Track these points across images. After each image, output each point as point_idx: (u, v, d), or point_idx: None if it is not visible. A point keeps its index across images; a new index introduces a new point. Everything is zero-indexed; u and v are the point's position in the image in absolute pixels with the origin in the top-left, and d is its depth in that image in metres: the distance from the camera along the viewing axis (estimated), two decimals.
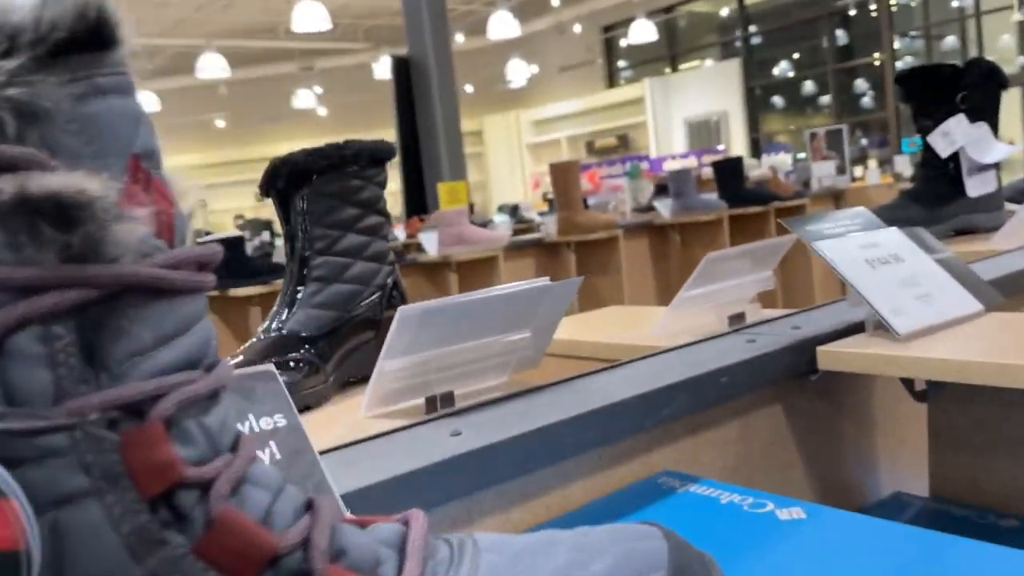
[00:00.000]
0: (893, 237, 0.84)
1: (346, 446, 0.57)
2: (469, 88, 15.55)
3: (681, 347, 0.80)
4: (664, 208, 4.03)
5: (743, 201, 4.03)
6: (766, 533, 0.57)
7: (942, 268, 0.83)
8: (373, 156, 0.79)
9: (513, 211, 6.68)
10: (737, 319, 0.90)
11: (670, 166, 11.94)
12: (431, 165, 7.06)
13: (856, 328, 0.80)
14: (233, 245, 2.61)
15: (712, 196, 4.13)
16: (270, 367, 0.44)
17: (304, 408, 0.72)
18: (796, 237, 0.83)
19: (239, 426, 0.42)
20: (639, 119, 14.57)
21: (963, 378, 0.66)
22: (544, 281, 0.70)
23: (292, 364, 0.72)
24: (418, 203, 7.13)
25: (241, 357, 0.71)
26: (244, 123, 16.07)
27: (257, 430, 0.42)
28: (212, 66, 11.68)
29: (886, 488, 0.91)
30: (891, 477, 0.92)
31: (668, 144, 14.17)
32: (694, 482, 0.66)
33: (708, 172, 5.20)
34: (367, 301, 0.79)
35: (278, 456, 0.42)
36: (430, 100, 6.92)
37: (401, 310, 0.60)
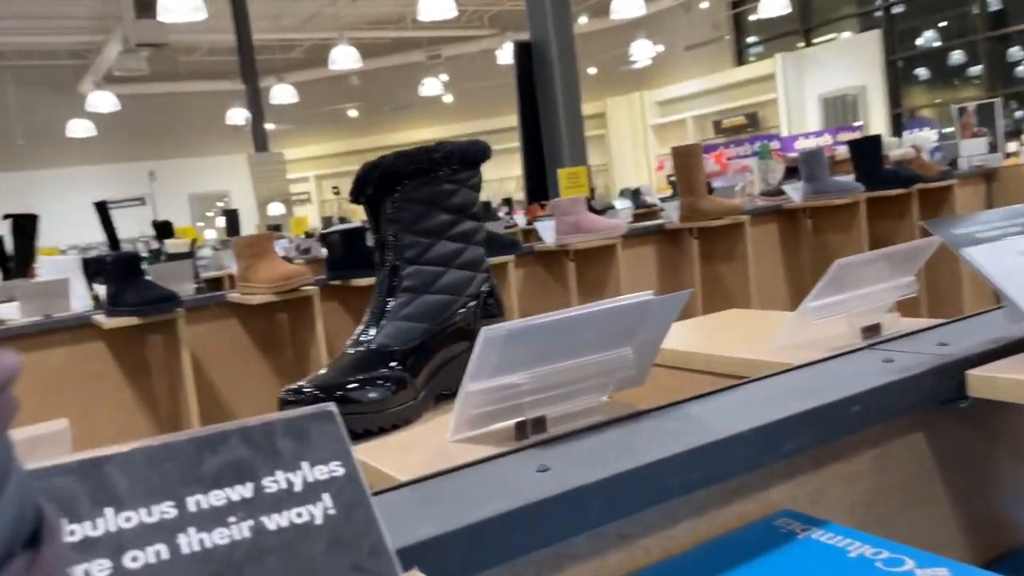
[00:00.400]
0: None
1: (422, 480, 0.52)
2: (592, 70, 15.37)
3: (805, 366, 0.72)
4: (794, 191, 3.81)
5: (882, 183, 3.76)
6: None
7: None
8: (466, 158, 0.75)
9: (635, 195, 6.55)
10: (872, 331, 0.80)
11: (802, 145, 11.40)
12: (552, 150, 7.00)
13: (1015, 347, 0.69)
14: (354, 236, 2.65)
15: (848, 178, 3.87)
16: (329, 407, 0.40)
17: (392, 427, 0.69)
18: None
19: (293, 475, 0.38)
20: (769, 96, 13.99)
21: None
22: (647, 295, 0.63)
23: (380, 381, 0.68)
24: (540, 189, 7.10)
25: (326, 371, 0.68)
26: (375, 112, 16.54)
27: (311, 480, 0.38)
28: (344, 58, 12.05)
29: None
30: None
31: (801, 122, 13.53)
32: (818, 526, 0.59)
33: (844, 152, 4.90)
34: (460, 311, 0.75)
35: (332, 511, 0.38)
36: (551, 85, 6.85)
37: (484, 332, 0.55)
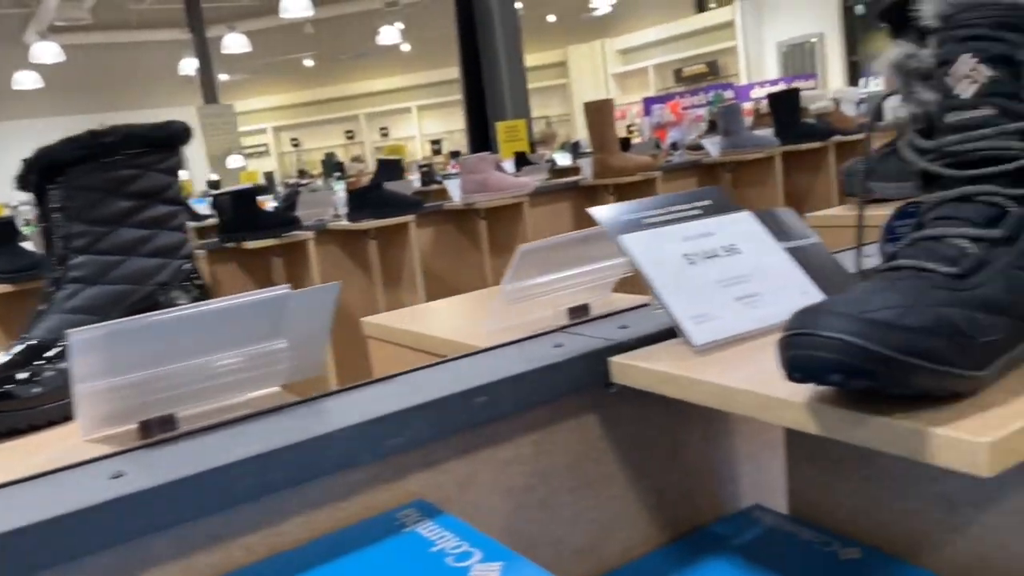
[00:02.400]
0: (736, 225, 0.73)
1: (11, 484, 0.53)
2: (551, 17, 15.14)
3: (482, 351, 0.72)
4: (712, 146, 3.81)
5: (800, 137, 3.76)
6: None
7: (793, 260, 0.71)
8: (150, 141, 0.73)
9: (574, 148, 6.50)
10: (579, 312, 0.81)
11: (759, 94, 11.34)
12: (495, 102, 6.92)
13: (670, 333, 0.69)
14: (246, 197, 2.61)
15: (767, 132, 3.88)
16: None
17: (47, 424, 0.68)
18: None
19: None
20: (729, 44, 13.88)
21: (729, 407, 0.56)
22: (283, 290, 0.63)
23: (35, 377, 0.68)
24: (483, 141, 7.04)
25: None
26: (333, 61, 16.18)
27: None
28: (295, 5, 11.74)
29: (748, 499, 0.81)
30: (754, 489, 0.82)
31: (760, 70, 13.46)
32: (432, 518, 0.59)
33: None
34: (145, 300, 0.74)
35: None
36: (492, 33, 6.74)
37: (69, 335, 0.54)
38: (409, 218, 2.89)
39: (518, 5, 11.65)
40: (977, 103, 0.49)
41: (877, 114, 0.64)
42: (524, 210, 3.14)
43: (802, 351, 0.45)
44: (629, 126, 14.13)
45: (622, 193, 3.54)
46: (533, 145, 6.42)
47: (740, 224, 0.73)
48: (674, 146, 5.95)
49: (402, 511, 0.61)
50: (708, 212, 0.74)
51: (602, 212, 0.69)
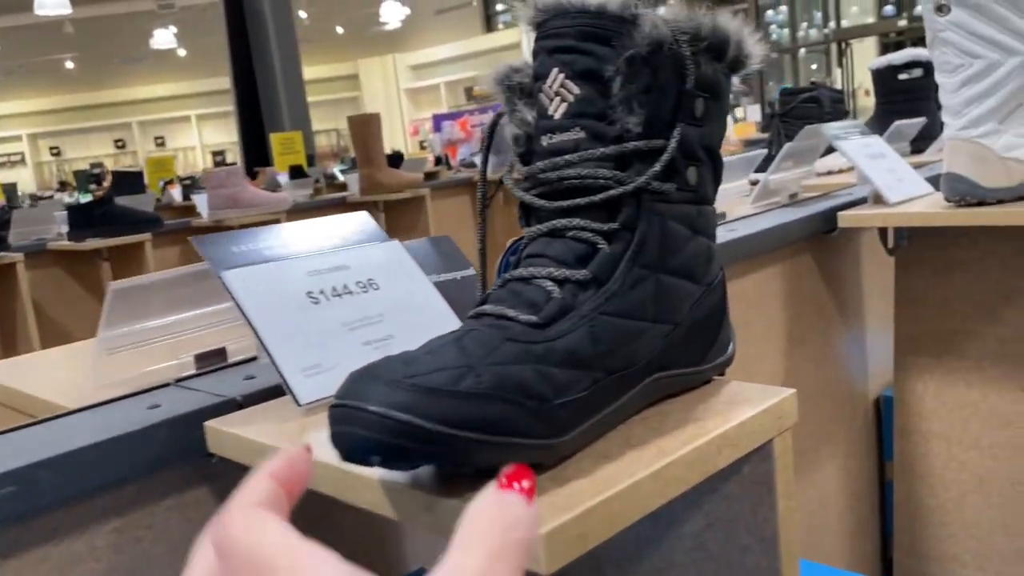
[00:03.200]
0: (379, 256, 0.63)
1: None
2: (340, 29, 14.85)
3: (42, 421, 0.57)
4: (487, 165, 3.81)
5: None
6: None
7: (441, 296, 0.63)
8: None
9: (353, 163, 6.34)
10: (211, 359, 0.68)
11: None
12: (271, 113, 6.60)
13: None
14: None
15: None
16: None
17: None
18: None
19: None
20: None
21: (315, 485, 0.46)
22: None
23: None
24: (260, 154, 6.69)
25: None
26: (100, 64, 14.88)
27: None
28: (52, 2, 10.68)
29: (416, 562, 0.72)
30: (423, 550, 0.73)
31: None
32: None
33: None
34: None
35: None
36: (266, 42, 6.44)
37: None
38: (145, 236, 2.61)
39: (302, 14, 11.36)
40: (568, 124, 0.43)
41: (491, 136, 0.57)
42: None
43: (340, 427, 0.36)
44: (422, 142, 14.13)
45: (392, 210, 3.44)
46: (312, 158, 6.19)
47: (384, 255, 0.64)
48: (463, 162, 5.96)
49: None
50: (349, 242, 0.64)
51: (207, 241, 0.57)
